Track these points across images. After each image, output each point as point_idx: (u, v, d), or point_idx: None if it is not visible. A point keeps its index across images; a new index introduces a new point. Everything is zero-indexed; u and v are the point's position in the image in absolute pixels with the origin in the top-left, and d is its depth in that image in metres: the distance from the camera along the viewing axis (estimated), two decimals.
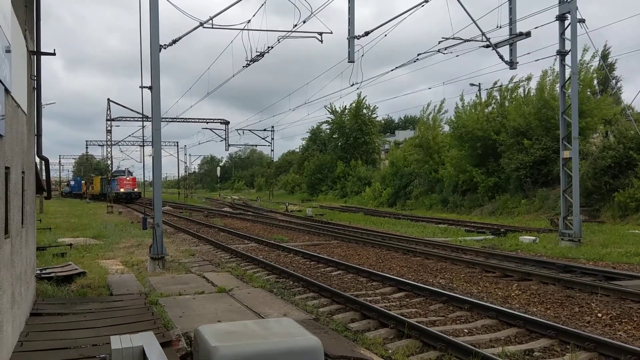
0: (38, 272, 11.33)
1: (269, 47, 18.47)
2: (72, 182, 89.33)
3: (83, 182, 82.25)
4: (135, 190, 58.19)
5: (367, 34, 18.19)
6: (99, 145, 61.03)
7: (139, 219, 29.51)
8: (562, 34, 17.63)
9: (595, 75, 32.16)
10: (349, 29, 18.37)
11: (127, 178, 59.15)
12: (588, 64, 27.70)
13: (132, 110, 42.15)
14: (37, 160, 10.16)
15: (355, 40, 18.22)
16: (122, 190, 57.23)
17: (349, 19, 18.33)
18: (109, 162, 51.74)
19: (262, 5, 17.12)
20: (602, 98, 31.44)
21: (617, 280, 11.40)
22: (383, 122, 73.76)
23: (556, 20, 17.62)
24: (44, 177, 10.83)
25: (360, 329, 8.33)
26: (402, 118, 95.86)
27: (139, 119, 41.68)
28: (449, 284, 11.94)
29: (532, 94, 32.92)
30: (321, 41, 18.23)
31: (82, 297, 10.09)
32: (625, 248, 16.08)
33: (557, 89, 29.13)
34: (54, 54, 9.91)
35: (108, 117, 45.55)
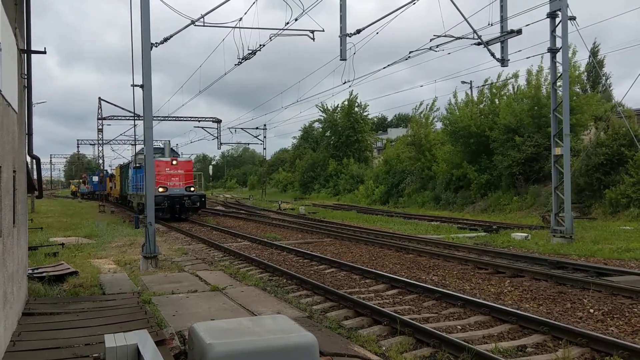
0: (30, 271, 11.28)
1: (261, 45, 18.45)
2: (95, 178, 60.11)
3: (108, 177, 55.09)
4: (193, 190, 30.02)
5: (359, 31, 18.21)
6: (90, 144, 60.47)
7: (131, 217, 29.44)
8: (553, 31, 17.70)
9: (584, 71, 32.34)
10: (340, 27, 18.38)
11: (173, 162, 30.06)
12: (571, 59, 27.79)
13: (123, 108, 42.07)
14: (28, 159, 10.11)
15: (348, 38, 18.23)
16: (160, 190, 28.14)
17: (340, 16, 18.34)
18: (100, 161, 51.49)
19: (254, 3, 17.09)
20: (592, 95, 31.61)
21: (609, 276, 11.47)
22: (375, 120, 73.90)
23: (547, 17, 17.69)
24: (35, 176, 10.78)
25: (354, 326, 8.35)
26: (396, 116, 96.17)
27: (131, 118, 41.56)
28: (441, 280, 11.98)
29: (522, 90, 33.00)
30: (313, 39, 18.22)
31: (75, 297, 10.04)
32: (617, 244, 16.18)
33: (547, 85, 29.45)
34: (44, 53, 9.86)
35: (99, 116, 45.40)
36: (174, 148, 34.38)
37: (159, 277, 12.32)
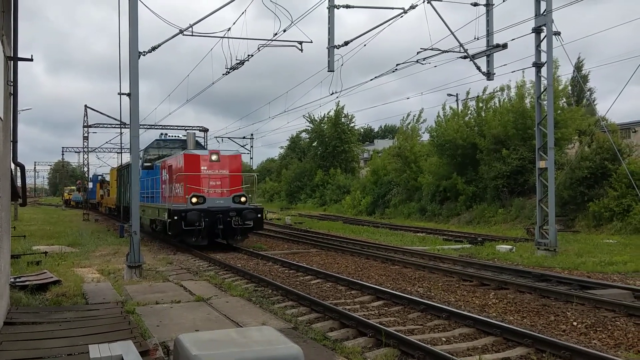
0: (12, 280, 11.14)
1: (249, 55, 18.50)
2: (90, 186, 51.54)
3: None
4: (244, 200, 20.01)
5: (346, 43, 18.32)
6: (76, 151, 59.87)
7: (116, 226, 29.19)
8: (538, 46, 17.92)
9: (567, 85, 32.88)
10: (329, 39, 18.49)
11: (213, 157, 19.71)
12: (555, 73, 28.15)
13: (109, 116, 41.81)
14: (13, 166, 10.02)
15: (335, 49, 18.34)
16: (194, 200, 18.84)
17: (329, 28, 18.44)
18: (85, 169, 50.93)
19: (243, 13, 17.15)
20: (576, 109, 32.03)
21: (592, 290, 11.57)
22: (362, 131, 74.21)
23: (532, 32, 17.91)
24: (19, 184, 10.68)
25: (339, 337, 8.33)
26: (382, 127, 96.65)
27: (117, 126, 41.34)
28: (427, 292, 12.00)
29: (506, 104, 33.34)
30: (301, 50, 18.31)
31: (57, 306, 9.93)
32: (600, 257, 16.33)
33: (530, 99, 29.80)
34: (31, 60, 9.81)
35: (85, 124, 45.07)
36: (199, 141, 23.68)
37: (143, 287, 12.23)
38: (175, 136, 25.16)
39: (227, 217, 18.99)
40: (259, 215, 19.74)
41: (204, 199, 18.97)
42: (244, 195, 19.91)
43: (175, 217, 18.31)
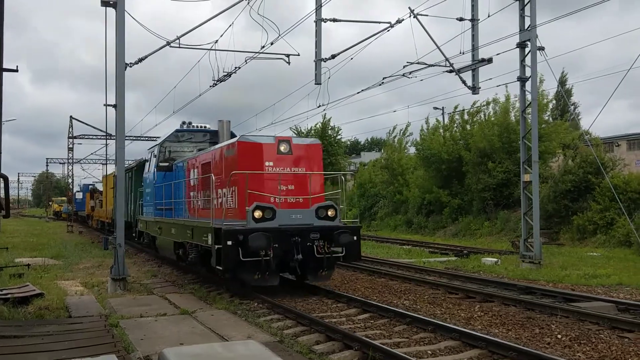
0: None
1: (236, 68, 18.54)
2: (79, 196, 50.13)
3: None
4: (333, 214, 12.82)
5: (333, 57, 18.46)
6: (60, 162, 59.37)
7: (100, 238, 28.92)
8: (522, 61, 18.14)
9: (551, 99, 33.33)
10: (316, 52, 18.61)
11: (282, 147, 12.66)
12: (539, 87, 28.46)
13: (95, 127, 41.57)
14: None
15: (323, 62, 18.46)
16: (256, 215, 11.88)
17: (316, 42, 18.57)
18: (70, 180, 50.45)
19: (230, 25, 17.20)
20: (560, 123, 32.38)
21: (576, 302, 11.64)
22: (348, 143, 74.43)
23: (517, 47, 18.12)
24: (2, 195, 10.57)
25: (325, 351, 8.30)
26: (369, 139, 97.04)
27: (103, 137, 41.08)
28: (413, 305, 12.01)
29: (492, 117, 33.61)
30: (288, 63, 18.39)
31: (40, 319, 9.82)
32: (584, 270, 16.44)
33: (515, 112, 30.11)
34: (16, 71, 9.78)
35: (70, 135, 44.77)
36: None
37: (128, 300, 12.12)
38: (202, 126, 18.85)
39: (308, 240, 12.45)
40: (356, 238, 13.06)
41: (273, 212, 12.29)
42: (332, 207, 13.12)
43: (230, 242, 11.66)
